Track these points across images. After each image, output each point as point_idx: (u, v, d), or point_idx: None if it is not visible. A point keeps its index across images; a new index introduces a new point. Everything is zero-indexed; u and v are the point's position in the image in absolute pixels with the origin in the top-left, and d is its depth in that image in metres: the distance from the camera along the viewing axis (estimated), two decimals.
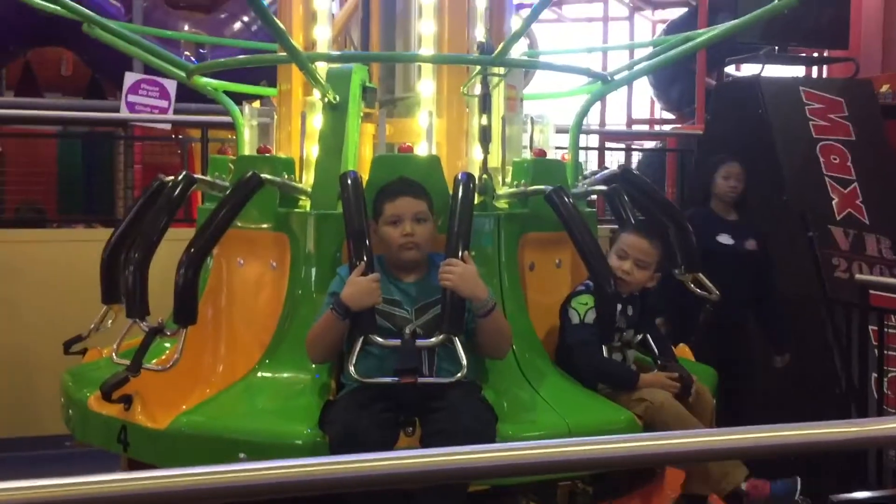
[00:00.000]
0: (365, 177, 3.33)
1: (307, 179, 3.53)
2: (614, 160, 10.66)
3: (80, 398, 3.38)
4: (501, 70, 3.59)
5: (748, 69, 8.84)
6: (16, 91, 11.19)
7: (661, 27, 13.62)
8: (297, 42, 3.66)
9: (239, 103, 4.16)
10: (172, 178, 3.43)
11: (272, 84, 4.23)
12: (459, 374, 2.89)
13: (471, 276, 2.96)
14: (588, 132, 9.28)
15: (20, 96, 10.64)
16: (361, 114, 3.57)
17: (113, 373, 3.17)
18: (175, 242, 3.24)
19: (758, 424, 1.71)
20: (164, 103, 6.93)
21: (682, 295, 3.88)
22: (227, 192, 3.31)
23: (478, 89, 3.53)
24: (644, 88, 13.04)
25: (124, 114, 6.92)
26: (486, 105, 3.46)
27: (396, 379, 2.86)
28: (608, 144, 10.68)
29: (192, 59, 8.63)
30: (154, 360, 3.28)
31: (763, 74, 6.53)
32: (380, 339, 2.94)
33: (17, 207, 8.21)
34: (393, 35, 3.92)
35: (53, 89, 11.32)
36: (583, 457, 1.67)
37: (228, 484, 1.47)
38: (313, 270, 3.34)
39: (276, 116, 3.86)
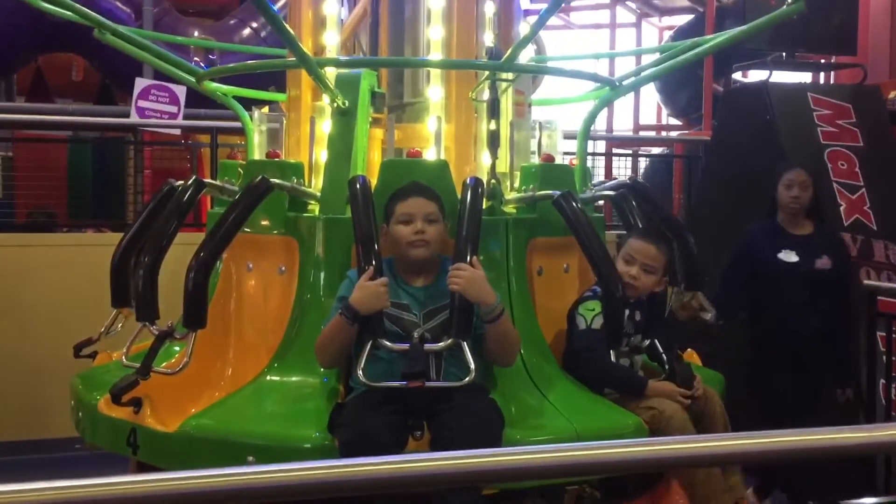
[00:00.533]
0: (374, 182, 3.34)
1: (316, 184, 3.55)
2: (621, 166, 10.65)
3: (89, 401, 3.40)
4: (510, 75, 3.60)
5: (756, 75, 8.83)
6: (27, 96, 11.26)
7: (668, 33, 13.60)
8: (307, 47, 3.67)
9: (248, 108, 4.18)
10: (182, 182, 3.45)
11: (281, 89, 4.24)
12: (467, 379, 2.89)
13: (479, 281, 2.97)
14: (595, 138, 9.26)
15: (31, 101, 10.71)
16: (370, 119, 3.59)
17: (123, 376, 3.18)
18: (185, 247, 3.26)
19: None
20: (173, 108, 6.96)
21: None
22: (237, 197, 3.33)
23: (486, 95, 3.53)
24: (651, 94, 13.02)
25: (134, 119, 6.94)
26: (494, 110, 3.46)
27: (404, 383, 2.87)
28: (615, 150, 10.67)
29: (202, 64, 8.66)
30: (163, 364, 3.29)
31: (771, 80, 6.52)
32: (388, 343, 2.95)
33: (30, 212, 8.24)
34: (402, 40, 3.93)
35: (64, 95, 11.35)
36: (593, 461, 1.67)
37: (237, 487, 1.48)
38: (322, 275, 3.36)
39: (285, 121, 3.87)
